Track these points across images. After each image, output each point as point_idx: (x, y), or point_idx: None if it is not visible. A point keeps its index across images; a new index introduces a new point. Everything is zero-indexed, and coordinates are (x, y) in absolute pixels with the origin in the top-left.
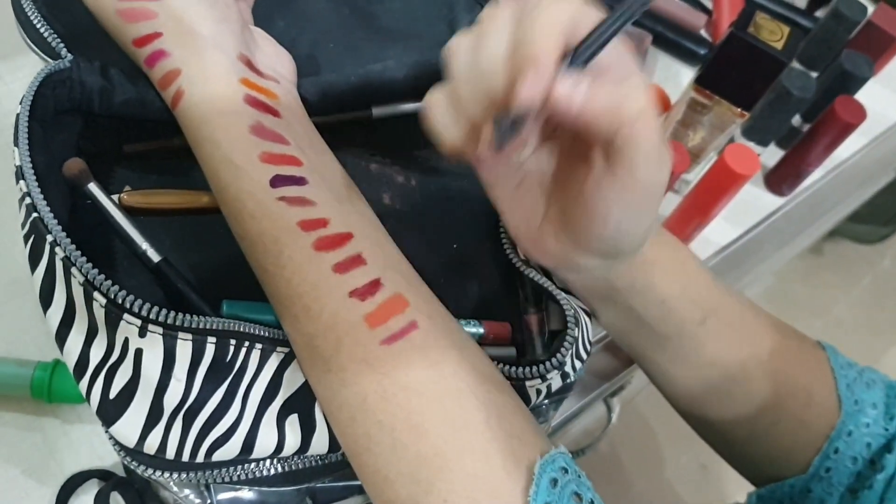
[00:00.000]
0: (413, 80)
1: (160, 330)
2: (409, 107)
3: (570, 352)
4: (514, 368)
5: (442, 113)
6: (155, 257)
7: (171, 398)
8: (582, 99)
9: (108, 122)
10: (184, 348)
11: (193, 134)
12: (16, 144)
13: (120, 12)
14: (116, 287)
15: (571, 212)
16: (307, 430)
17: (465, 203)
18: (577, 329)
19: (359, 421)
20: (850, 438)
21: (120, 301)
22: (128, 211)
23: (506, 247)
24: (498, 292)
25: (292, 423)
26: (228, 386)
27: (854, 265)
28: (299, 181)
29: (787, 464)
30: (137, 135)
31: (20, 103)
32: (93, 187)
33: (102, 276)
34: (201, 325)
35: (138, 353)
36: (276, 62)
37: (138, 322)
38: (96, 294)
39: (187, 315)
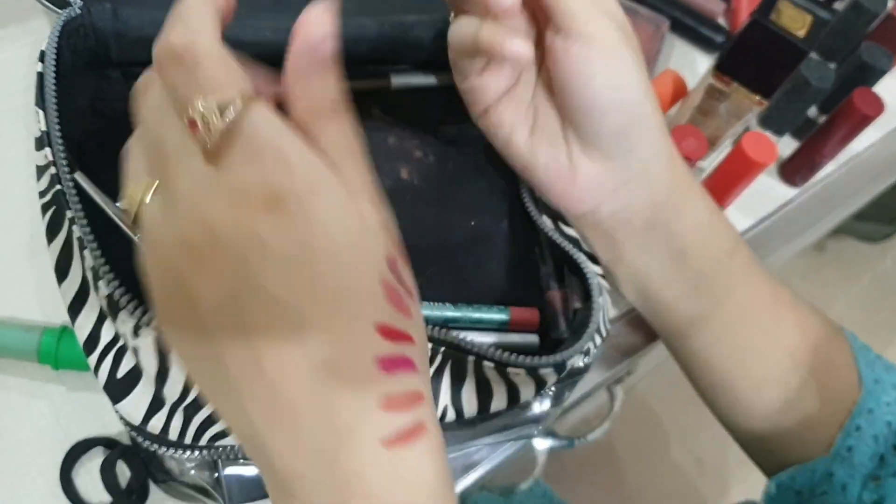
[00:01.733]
0: (440, 44)
1: (152, 334)
2: (428, 80)
3: (595, 326)
4: (540, 358)
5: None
6: None
7: (171, 393)
8: None
9: (123, 83)
10: None
11: None
12: (40, 107)
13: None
14: (116, 283)
15: (568, 103)
16: None
17: (482, 180)
18: (600, 300)
19: None
20: (872, 416)
21: (116, 297)
22: None
23: (532, 214)
24: (517, 270)
25: None
26: None
27: (855, 263)
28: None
29: (810, 439)
30: None
31: (40, 60)
32: (78, 178)
33: (107, 268)
34: None
35: (135, 348)
36: None
37: (131, 322)
38: (100, 283)
39: None
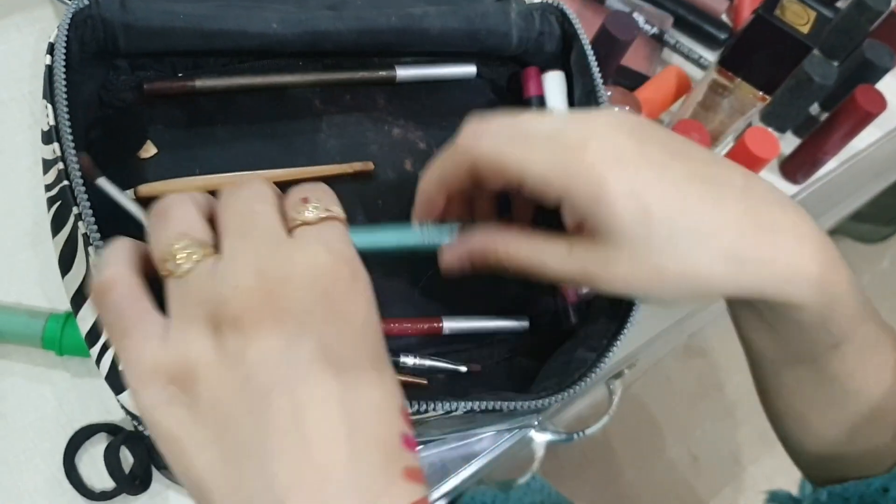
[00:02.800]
0: (446, 36)
1: None
2: (433, 72)
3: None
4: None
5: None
6: None
7: None
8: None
9: (130, 73)
10: None
11: None
12: (48, 101)
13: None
14: None
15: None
16: None
17: None
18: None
19: None
20: None
21: None
22: (144, 201)
23: None
24: None
25: None
26: None
27: (853, 264)
28: None
29: (873, 463)
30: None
31: (48, 53)
32: (102, 183)
33: None
34: None
35: None
36: None
37: None
38: None
39: None
